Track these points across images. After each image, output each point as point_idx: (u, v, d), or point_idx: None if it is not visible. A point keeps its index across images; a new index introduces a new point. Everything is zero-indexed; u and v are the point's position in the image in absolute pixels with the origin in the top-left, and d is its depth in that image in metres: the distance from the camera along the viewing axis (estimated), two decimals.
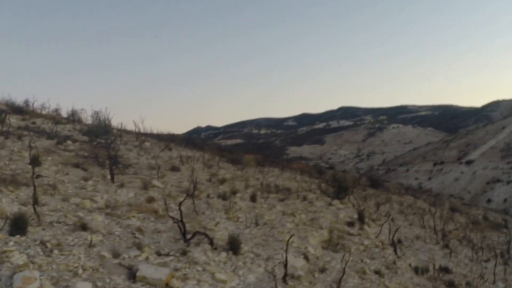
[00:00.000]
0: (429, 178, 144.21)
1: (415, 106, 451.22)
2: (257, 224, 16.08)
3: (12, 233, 9.60)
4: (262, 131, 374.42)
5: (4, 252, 8.58)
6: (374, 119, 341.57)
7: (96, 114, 34.27)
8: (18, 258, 8.44)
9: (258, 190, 23.30)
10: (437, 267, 17.67)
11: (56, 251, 9.23)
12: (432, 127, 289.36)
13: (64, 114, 38.95)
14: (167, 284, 9.03)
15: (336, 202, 24.97)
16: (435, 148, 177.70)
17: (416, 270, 16.58)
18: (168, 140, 37.37)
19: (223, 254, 11.83)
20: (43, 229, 10.48)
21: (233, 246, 12.26)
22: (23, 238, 9.53)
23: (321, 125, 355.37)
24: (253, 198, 20.35)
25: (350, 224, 20.40)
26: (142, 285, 8.80)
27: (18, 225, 9.72)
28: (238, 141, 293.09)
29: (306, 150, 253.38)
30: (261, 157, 41.91)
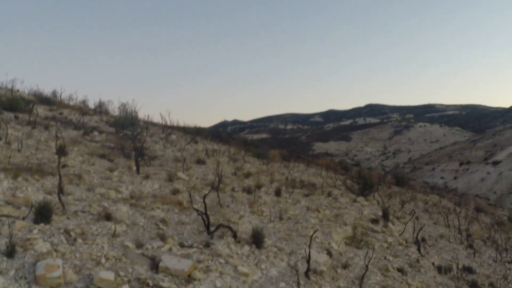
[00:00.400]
0: (455, 178, 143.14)
1: (442, 105, 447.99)
2: (281, 219, 16.08)
3: (36, 221, 9.70)
4: (288, 127, 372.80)
5: (28, 239, 8.66)
6: (401, 117, 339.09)
7: (123, 106, 34.58)
8: (42, 246, 8.50)
9: (283, 185, 23.27)
10: (460, 266, 17.53)
11: (79, 240, 9.30)
12: (459, 127, 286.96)
13: (91, 105, 39.31)
14: (189, 275, 9.05)
15: (361, 199, 24.85)
16: (461, 148, 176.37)
17: (439, 269, 16.46)
18: (194, 133, 37.43)
19: (246, 247, 11.84)
20: (68, 218, 10.58)
21: (257, 239, 12.26)
22: (47, 227, 9.62)
23: (348, 122, 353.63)
24: (277, 193, 20.34)
25: (374, 221, 20.30)
26: (165, 276, 8.83)
27: (42, 214, 9.81)
28: (264, 136, 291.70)
29: (332, 146, 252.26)
30: (286, 152, 41.87)
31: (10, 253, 7.95)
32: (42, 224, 9.61)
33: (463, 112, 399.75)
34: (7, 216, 9.73)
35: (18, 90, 34.98)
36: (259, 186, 20.88)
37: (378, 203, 25.18)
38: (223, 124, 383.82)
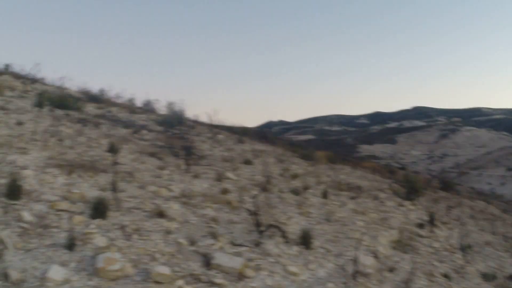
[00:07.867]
0: (502, 184, 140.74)
1: (489, 109, 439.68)
2: (328, 221, 16.19)
3: (93, 216, 10.03)
4: (334, 128, 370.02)
5: (87, 234, 8.98)
6: (448, 121, 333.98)
7: (171, 105, 34.66)
8: (100, 240, 8.84)
9: (330, 187, 23.30)
10: (506, 275, 17.44)
11: (135, 236, 9.62)
12: (506, 132, 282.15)
13: (138, 104, 39.65)
14: (240, 273, 9.27)
15: (407, 203, 24.73)
16: (509, 153, 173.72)
17: (484, 276, 16.39)
18: (241, 133, 37.45)
19: (295, 247, 12.00)
20: (122, 215, 10.89)
21: (305, 240, 12.42)
22: (103, 222, 9.95)
23: (394, 125, 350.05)
24: (324, 195, 20.38)
25: (420, 225, 20.23)
26: (217, 273, 9.09)
27: (99, 209, 10.15)
28: (309, 137, 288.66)
29: (377, 149, 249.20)
30: (332, 154, 41.73)
31: (70, 246, 8.30)
32: (99, 220, 9.95)
33: (510, 117, 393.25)
34: (65, 211, 10.10)
35: (66, 88, 35.49)
36: (306, 188, 20.95)
37: (424, 207, 25.07)
38: (269, 125, 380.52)
